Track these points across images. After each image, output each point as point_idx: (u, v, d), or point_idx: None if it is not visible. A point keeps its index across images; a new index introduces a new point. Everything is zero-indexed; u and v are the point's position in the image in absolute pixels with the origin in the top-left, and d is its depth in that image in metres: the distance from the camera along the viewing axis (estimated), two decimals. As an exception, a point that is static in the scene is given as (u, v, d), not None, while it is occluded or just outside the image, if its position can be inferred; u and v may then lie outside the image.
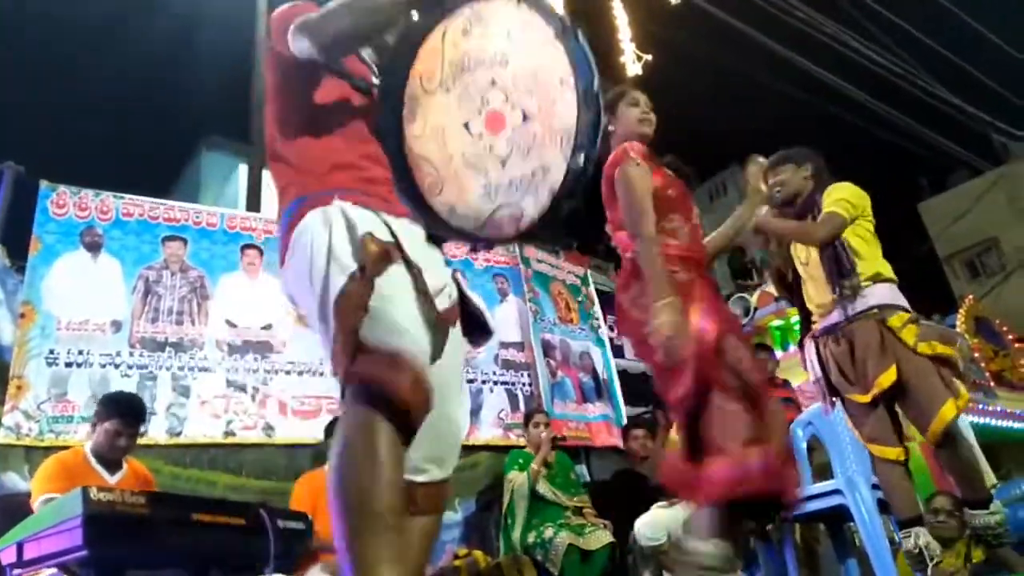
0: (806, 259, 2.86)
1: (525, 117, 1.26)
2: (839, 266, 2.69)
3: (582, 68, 1.24)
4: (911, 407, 2.56)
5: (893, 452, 2.54)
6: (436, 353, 1.42)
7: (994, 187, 18.31)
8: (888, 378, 2.52)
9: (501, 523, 4.15)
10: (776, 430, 2.04)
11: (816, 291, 2.81)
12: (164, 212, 4.76)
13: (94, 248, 4.41)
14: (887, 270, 2.74)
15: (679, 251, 2.32)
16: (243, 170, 8.73)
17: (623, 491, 4.45)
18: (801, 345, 2.87)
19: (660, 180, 2.41)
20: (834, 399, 2.71)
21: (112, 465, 3.02)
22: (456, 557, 3.87)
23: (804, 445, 3.32)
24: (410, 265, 1.39)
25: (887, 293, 2.68)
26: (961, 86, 10.65)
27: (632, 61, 7.46)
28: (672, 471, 2.14)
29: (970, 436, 7.29)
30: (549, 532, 3.87)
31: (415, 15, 1.44)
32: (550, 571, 3.74)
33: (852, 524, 3.00)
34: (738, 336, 2.20)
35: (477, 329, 1.62)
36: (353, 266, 1.33)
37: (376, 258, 1.34)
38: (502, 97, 1.29)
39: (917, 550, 2.45)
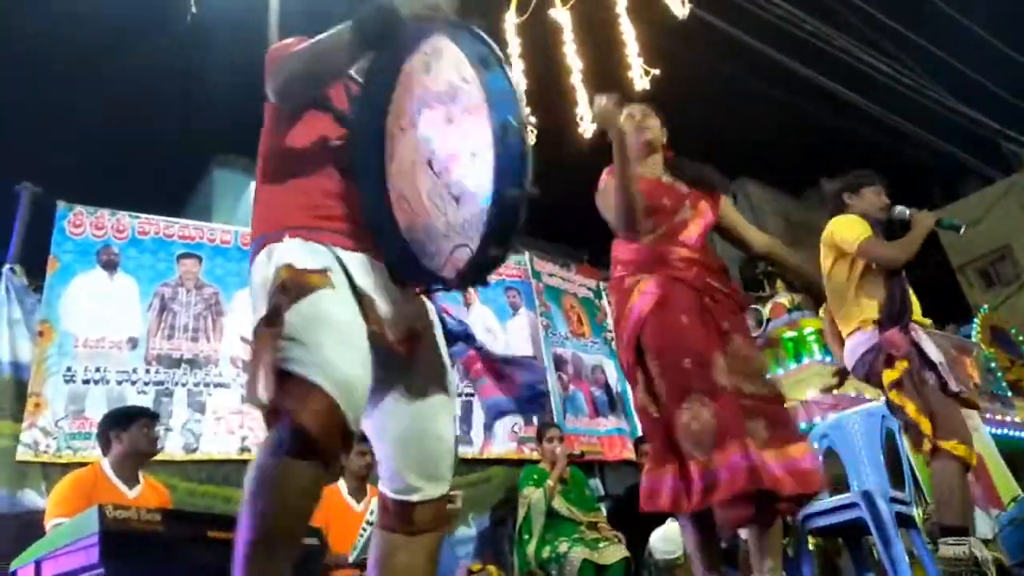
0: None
1: (472, 154, 1.20)
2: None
3: (498, 102, 1.15)
4: None
5: (969, 453, 2.60)
6: (389, 378, 1.45)
7: (1006, 195, 18.20)
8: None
9: (515, 538, 4.14)
10: (702, 437, 2.09)
11: (916, 303, 2.98)
12: (179, 230, 4.81)
13: (110, 266, 4.46)
14: None
15: (634, 254, 2.40)
16: (254, 188, 8.81)
17: (637, 505, 4.42)
18: (904, 328, 2.85)
19: (643, 187, 2.45)
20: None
21: (132, 478, 3.05)
22: (470, 572, 3.87)
23: (820, 458, 3.31)
24: (357, 292, 1.38)
25: None
26: (971, 95, 10.63)
27: (640, 76, 7.48)
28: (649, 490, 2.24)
29: (992, 448, 7.20)
30: (564, 547, 3.86)
31: (377, 53, 1.44)
32: (565, 586, 3.73)
33: (870, 537, 2.97)
34: (662, 341, 2.24)
35: (451, 337, 1.65)
36: (273, 298, 1.34)
37: (292, 285, 1.33)
38: (457, 134, 1.24)
39: (977, 558, 2.42)
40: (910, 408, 2.72)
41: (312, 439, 1.20)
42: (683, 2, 7.09)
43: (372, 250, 1.45)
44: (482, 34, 1.24)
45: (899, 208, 3.01)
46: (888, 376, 2.79)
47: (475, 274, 1.24)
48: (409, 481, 1.45)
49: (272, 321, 1.31)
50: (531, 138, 1.20)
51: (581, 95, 7.62)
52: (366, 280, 1.41)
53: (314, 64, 1.46)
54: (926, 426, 2.66)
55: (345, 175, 1.50)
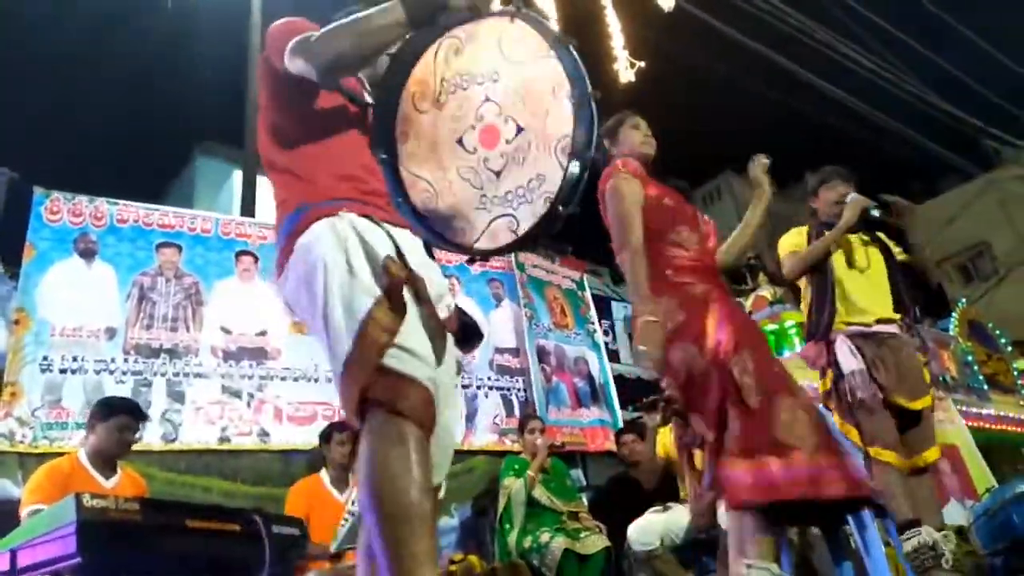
0: (865, 266, 2.97)
1: (519, 129, 1.30)
2: (916, 291, 2.97)
3: (576, 79, 1.26)
4: (913, 434, 2.76)
5: (897, 458, 2.65)
6: (438, 363, 1.45)
7: (985, 192, 18.42)
8: (928, 400, 2.75)
9: (497, 528, 4.15)
10: (805, 433, 2.02)
11: (869, 299, 2.91)
12: (158, 218, 4.76)
13: (88, 255, 4.41)
14: None
15: (691, 261, 2.35)
16: (237, 176, 8.72)
17: (618, 495, 4.45)
18: (825, 339, 2.86)
19: (655, 191, 2.43)
20: (875, 392, 2.73)
21: (108, 469, 3.02)
22: (452, 562, 3.87)
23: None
24: (414, 278, 1.41)
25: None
26: (952, 91, 10.73)
27: (625, 68, 7.49)
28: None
29: (969, 440, 7.31)
30: (545, 537, 3.87)
31: (411, 35, 1.45)
32: (546, 576, 3.74)
33: (847, 527, 3.00)
34: (755, 342, 2.21)
35: (470, 335, 1.64)
36: (377, 290, 1.35)
37: (399, 284, 1.37)
38: (495, 111, 1.33)
39: (931, 542, 2.49)
40: (836, 419, 2.79)
41: (422, 429, 1.27)
42: (669, -6, 7.10)
43: (409, 225, 1.47)
44: (544, 20, 1.34)
45: (850, 197, 3.00)
46: (821, 387, 2.89)
47: (519, 245, 1.33)
48: None
49: (389, 317, 1.34)
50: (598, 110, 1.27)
51: (566, 86, 7.59)
52: (415, 260, 1.44)
53: (366, 41, 1.44)
54: (853, 435, 2.73)
55: (368, 149, 1.51)
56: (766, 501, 2.01)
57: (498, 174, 1.31)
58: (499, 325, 5.88)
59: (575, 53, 1.29)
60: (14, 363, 3.93)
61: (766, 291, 8.36)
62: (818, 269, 2.96)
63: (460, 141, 1.36)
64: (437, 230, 1.40)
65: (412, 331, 1.35)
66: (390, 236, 1.45)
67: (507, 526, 4.04)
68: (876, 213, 2.97)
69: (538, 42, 1.31)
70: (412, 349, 1.33)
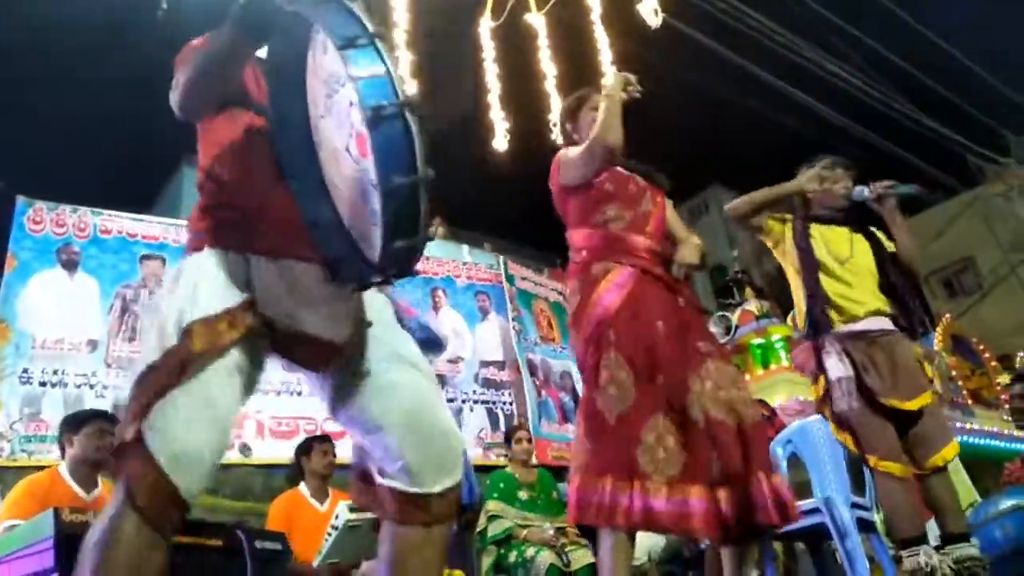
0: (847, 256, 2.82)
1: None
2: (913, 287, 2.81)
3: (368, 84, 1.06)
4: (921, 432, 2.58)
5: (900, 468, 2.49)
6: (353, 379, 1.47)
7: (970, 208, 18.62)
8: (927, 398, 2.58)
9: (479, 545, 4.12)
10: (664, 460, 1.98)
11: (857, 291, 2.77)
12: (143, 229, 4.73)
13: (70, 266, 4.37)
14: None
15: (599, 239, 2.32)
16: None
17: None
18: (814, 342, 2.70)
19: (606, 173, 2.41)
20: (855, 403, 2.55)
21: (89, 482, 2.98)
22: (436, 577, 3.83)
23: (784, 463, 3.34)
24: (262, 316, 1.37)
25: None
26: (937, 109, 10.87)
27: (614, 82, 7.53)
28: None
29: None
30: (531, 552, 3.84)
31: (277, 39, 1.34)
32: (531, 591, 3.72)
33: (832, 542, 3.01)
34: (636, 332, 2.13)
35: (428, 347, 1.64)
36: (171, 342, 1.30)
37: (200, 350, 1.30)
38: (360, 117, 1.12)
39: (929, 568, 2.37)
40: (832, 427, 2.68)
41: (140, 508, 1.23)
42: (656, 11, 7.15)
43: (303, 250, 1.39)
44: (352, 8, 1.12)
45: (857, 189, 2.88)
46: (814, 394, 2.75)
47: (392, 266, 1.18)
48: (425, 476, 1.43)
49: (168, 376, 1.28)
50: (415, 117, 1.06)
51: (555, 101, 7.64)
52: (280, 292, 1.39)
53: (204, 75, 1.41)
54: (849, 442, 2.62)
55: (275, 170, 1.41)
56: (602, 522, 1.98)
57: (375, 187, 1.13)
58: (485, 338, 5.88)
59: (375, 50, 1.08)
60: (-7, 375, 3.89)
61: (753, 305, 8.41)
62: (804, 266, 2.80)
63: (348, 149, 1.20)
64: (356, 243, 1.27)
65: (184, 409, 1.27)
66: (248, 280, 1.38)
67: (480, 546, 4.03)
68: (861, 194, 2.83)
69: (327, 44, 1.12)
70: (174, 425, 1.25)
